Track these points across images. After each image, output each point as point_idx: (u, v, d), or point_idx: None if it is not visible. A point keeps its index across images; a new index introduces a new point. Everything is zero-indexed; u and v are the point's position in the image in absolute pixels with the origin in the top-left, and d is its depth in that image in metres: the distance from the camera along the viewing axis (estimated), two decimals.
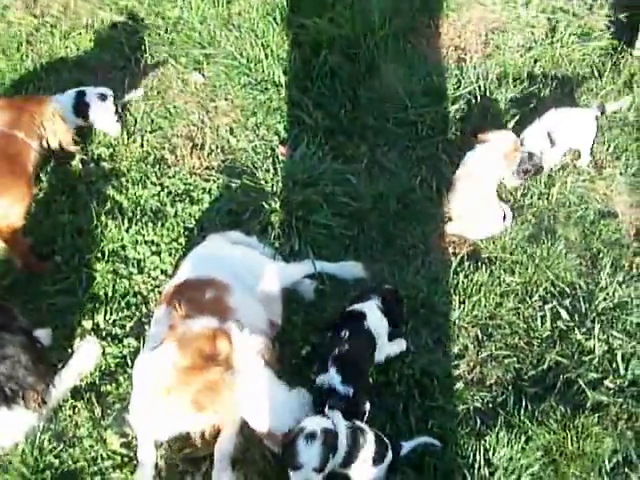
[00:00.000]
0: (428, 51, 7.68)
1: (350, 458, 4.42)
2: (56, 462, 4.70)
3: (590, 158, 6.81)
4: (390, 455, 4.57)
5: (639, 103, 7.33)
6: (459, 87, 7.20)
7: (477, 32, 7.91)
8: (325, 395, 4.67)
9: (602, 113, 6.81)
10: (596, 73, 7.54)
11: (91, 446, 4.78)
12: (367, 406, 4.78)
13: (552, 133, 6.47)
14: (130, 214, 6.06)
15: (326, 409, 4.52)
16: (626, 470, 4.81)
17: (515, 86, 7.30)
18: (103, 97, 6.56)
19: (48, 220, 6.00)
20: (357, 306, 5.09)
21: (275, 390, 4.66)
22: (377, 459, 4.50)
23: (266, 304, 5.18)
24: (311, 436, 4.23)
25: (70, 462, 4.70)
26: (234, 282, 5.02)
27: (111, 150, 6.57)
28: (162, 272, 5.72)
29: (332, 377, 4.70)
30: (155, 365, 4.36)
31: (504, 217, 6.13)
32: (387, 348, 5.14)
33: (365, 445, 4.45)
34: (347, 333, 4.91)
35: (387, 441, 4.58)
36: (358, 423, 4.54)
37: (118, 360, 5.21)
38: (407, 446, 4.71)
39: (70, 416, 4.90)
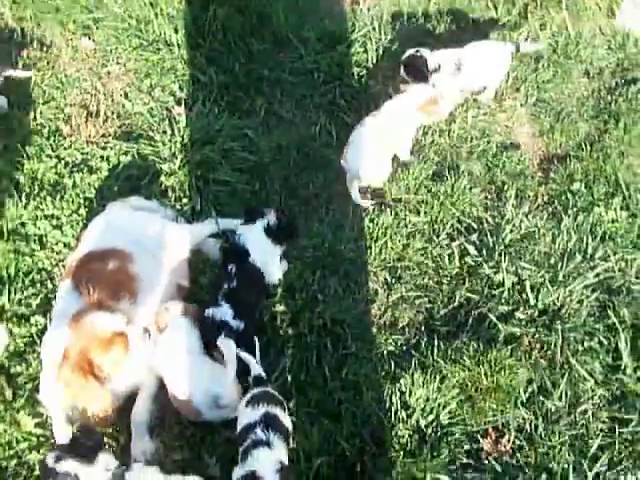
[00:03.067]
0: None
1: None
2: None
3: (494, 93, 6.82)
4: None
5: (534, 33, 7.36)
6: (354, 30, 7.14)
7: None
8: (217, 327, 4.74)
9: (517, 51, 6.82)
10: (491, 6, 7.55)
11: (5, 430, 4.67)
12: (256, 340, 4.82)
13: (462, 64, 6.45)
14: (27, 190, 5.90)
15: (220, 339, 4.56)
16: (541, 398, 4.86)
17: (410, 25, 7.25)
18: None
19: None
20: (242, 229, 5.21)
21: (197, 362, 4.64)
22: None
23: (172, 268, 5.12)
24: None
25: None
26: (136, 249, 4.97)
27: (3, 126, 6.36)
28: (65, 245, 5.58)
29: (225, 312, 4.80)
30: (53, 348, 4.36)
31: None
32: (278, 270, 5.27)
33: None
34: (234, 268, 5.02)
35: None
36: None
37: (26, 340, 5.07)
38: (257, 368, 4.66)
39: None
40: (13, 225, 5.67)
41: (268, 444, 4.09)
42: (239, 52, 6.91)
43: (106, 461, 4.07)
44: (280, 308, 5.20)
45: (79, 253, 5.00)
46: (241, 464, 4.09)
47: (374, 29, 7.13)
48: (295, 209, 5.86)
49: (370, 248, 5.57)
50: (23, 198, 5.80)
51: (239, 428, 4.26)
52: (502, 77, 6.82)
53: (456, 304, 5.34)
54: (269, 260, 5.17)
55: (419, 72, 6.36)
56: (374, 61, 6.96)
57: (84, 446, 4.03)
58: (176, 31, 7.00)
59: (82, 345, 4.27)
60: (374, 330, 5.19)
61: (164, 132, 6.27)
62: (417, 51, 6.34)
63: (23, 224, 5.70)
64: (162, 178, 5.97)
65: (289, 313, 5.15)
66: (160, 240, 5.16)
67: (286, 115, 6.57)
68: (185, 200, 5.83)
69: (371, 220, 5.73)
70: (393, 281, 5.46)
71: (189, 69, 6.76)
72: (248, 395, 4.38)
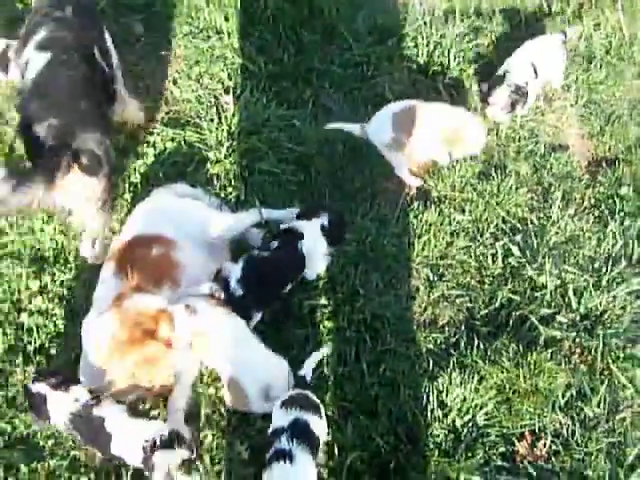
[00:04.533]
0: None
1: None
2: (8, 428, 4.62)
3: (561, 82, 6.86)
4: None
5: (588, 33, 7.28)
6: (405, 25, 7.11)
7: None
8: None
9: (565, 37, 6.80)
10: (544, 4, 7.47)
11: None
12: (258, 315, 4.91)
13: (535, 64, 6.44)
14: None
15: None
16: (580, 404, 4.83)
17: (462, 21, 7.23)
18: None
19: None
20: (301, 223, 5.20)
21: (249, 350, 4.63)
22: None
23: (214, 256, 5.12)
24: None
25: (22, 427, 4.62)
26: (180, 236, 4.96)
27: None
28: (109, 229, 5.58)
29: (234, 270, 4.85)
30: (97, 333, 4.35)
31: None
32: (318, 267, 5.26)
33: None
34: (276, 244, 5.09)
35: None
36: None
37: (66, 322, 5.09)
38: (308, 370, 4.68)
39: (21, 381, 4.79)
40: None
41: (290, 457, 3.99)
42: (289, 42, 6.88)
43: (78, 393, 4.26)
44: (321, 301, 5.18)
45: (123, 238, 5.01)
46: (264, 475, 4.06)
47: (425, 24, 7.09)
48: (339, 203, 5.81)
49: (413, 244, 5.54)
50: None
51: (270, 430, 4.22)
52: (564, 66, 6.82)
53: (497, 305, 5.29)
54: (316, 254, 5.17)
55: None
56: (424, 57, 6.91)
57: (60, 374, 4.34)
58: (227, 19, 6.99)
59: (132, 320, 4.25)
60: (414, 327, 5.17)
61: (211, 120, 6.25)
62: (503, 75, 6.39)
63: None
64: (208, 166, 5.96)
65: (329, 306, 5.14)
66: (204, 228, 5.15)
67: (334, 107, 6.53)
68: (230, 189, 5.82)
69: (415, 216, 5.71)
70: (435, 279, 5.44)
71: (238, 58, 6.73)
72: (285, 395, 4.33)
